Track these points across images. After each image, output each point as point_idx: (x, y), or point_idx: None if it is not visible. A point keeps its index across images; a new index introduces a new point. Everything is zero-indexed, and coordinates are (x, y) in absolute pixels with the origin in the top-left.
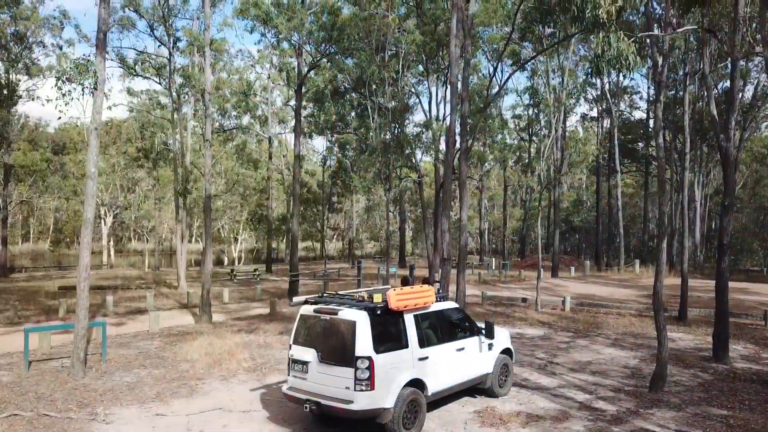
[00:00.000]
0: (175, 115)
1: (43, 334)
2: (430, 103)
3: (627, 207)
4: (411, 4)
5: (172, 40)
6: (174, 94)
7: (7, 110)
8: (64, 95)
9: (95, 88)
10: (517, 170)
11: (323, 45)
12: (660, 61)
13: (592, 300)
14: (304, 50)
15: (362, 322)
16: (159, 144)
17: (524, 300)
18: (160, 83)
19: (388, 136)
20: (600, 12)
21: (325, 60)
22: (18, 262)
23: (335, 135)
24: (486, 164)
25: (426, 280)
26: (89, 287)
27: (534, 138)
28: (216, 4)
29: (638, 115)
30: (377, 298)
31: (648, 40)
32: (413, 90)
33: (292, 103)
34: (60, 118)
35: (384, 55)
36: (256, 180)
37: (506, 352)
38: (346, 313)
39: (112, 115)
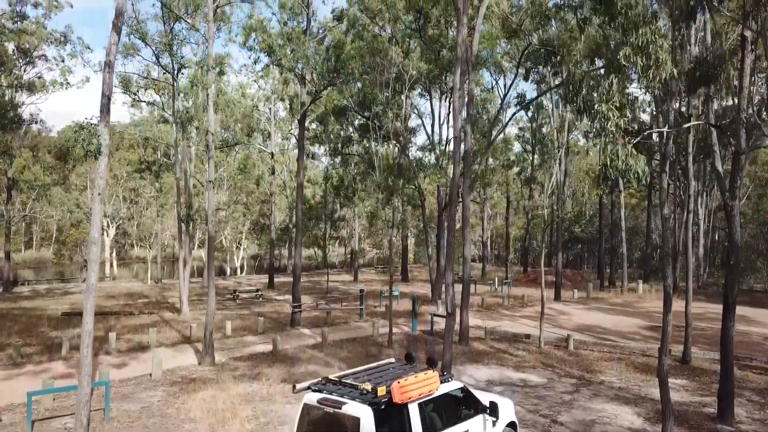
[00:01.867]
0: (179, 139)
1: (45, 387)
2: (432, 125)
3: (630, 218)
4: (413, 27)
5: (176, 68)
6: (177, 121)
7: (12, 132)
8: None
9: (99, 153)
10: (519, 181)
11: (327, 75)
12: (665, 132)
13: (596, 334)
14: (306, 80)
15: (366, 417)
16: (161, 157)
17: (528, 336)
18: (164, 109)
19: (389, 151)
20: (609, 125)
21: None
22: (21, 271)
23: (338, 155)
24: (491, 185)
25: (430, 361)
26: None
27: (536, 148)
28: (221, 28)
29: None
30: (381, 391)
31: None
32: (416, 112)
33: (295, 131)
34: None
35: (388, 77)
36: (259, 191)
37: (510, 425)
38: (350, 408)
39: (114, 118)
